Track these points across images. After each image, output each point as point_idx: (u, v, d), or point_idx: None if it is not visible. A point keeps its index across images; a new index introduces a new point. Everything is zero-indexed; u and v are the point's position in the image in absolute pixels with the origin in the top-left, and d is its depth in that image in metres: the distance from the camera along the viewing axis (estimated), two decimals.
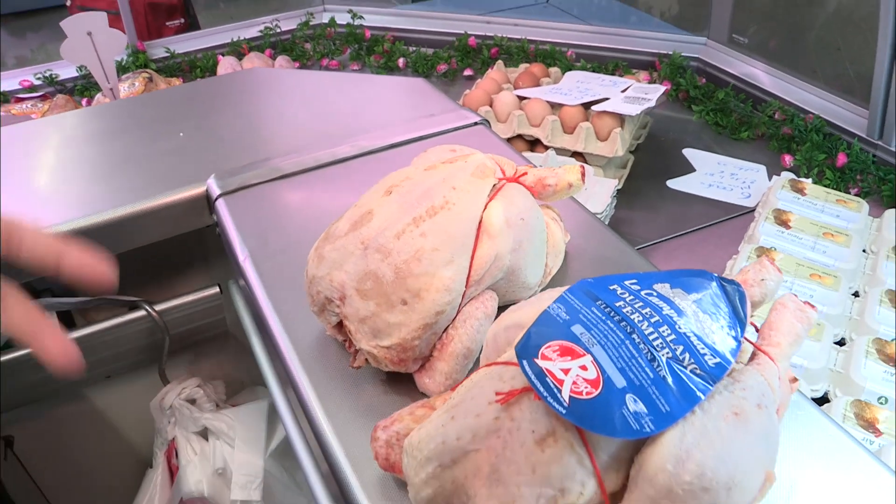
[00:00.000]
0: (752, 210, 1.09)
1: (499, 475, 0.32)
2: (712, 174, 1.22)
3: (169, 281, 0.83)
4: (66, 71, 1.58)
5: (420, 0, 2.33)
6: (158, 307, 0.79)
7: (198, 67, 1.62)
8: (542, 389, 0.32)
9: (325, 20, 1.74)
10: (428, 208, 0.47)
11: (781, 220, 0.98)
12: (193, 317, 0.81)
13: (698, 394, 0.32)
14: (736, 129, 1.33)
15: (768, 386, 0.36)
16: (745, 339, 0.39)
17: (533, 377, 0.32)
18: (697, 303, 0.36)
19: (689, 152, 1.28)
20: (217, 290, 0.81)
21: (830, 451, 0.43)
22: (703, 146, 1.30)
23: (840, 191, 1.06)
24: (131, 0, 1.65)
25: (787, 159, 1.22)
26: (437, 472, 0.34)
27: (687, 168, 1.24)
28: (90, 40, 1.14)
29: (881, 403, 0.74)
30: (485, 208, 0.48)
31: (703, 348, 0.34)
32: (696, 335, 0.34)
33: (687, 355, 0.33)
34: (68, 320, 0.81)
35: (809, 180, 1.06)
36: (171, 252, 0.79)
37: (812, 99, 1.31)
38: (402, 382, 0.48)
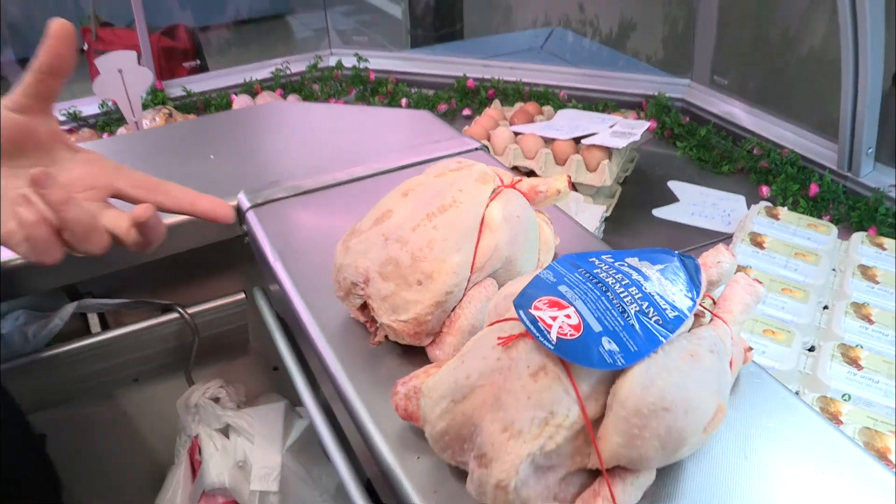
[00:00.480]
0: (732, 235, 1.18)
1: (500, 403, 0.40)
2: (695, 204, 1.31)
3: (197, 288, 0.91)
4: (88, 108, 1.67)
5: (420, 45, 2.46)
6: (189, 310, 0.86)
7: (212, 106, 1.71)
8: (535, 331, 0.39)
9: (332, 63, 1.85)
10: (439, 206, 0.56)
11: (756, 241, 1.06)
12: (220, 321, 0.88)
13: (660, 338, 0.40)
14: (717, 163, 1.42)
15: (721, 340, 0.44)
16: (703, 306, 0.47)
17: (528, 322, 0.40)
18: (661, 271, 0.44)
19: (673, 184, 1.38)
20: (243, 295, 0.89)
21: (786, 414, 0.51)
22: (687, 179, 1.39)
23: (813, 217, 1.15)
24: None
25: (765, 190, 1.31)
26: (450, 407, 0.42)
27: (672, 198, 1.33)
28: (120, 77, 1.24)
29: (844, 399, 0.81)
30: (486, 207, 0.57)
31: (664, 304, 0.42)
32: (659, 295, 0.43)
33: (651, 309, 0.41)
34: (101, 322, 0.88)
35: (785, 208, 1.15)
36: (201, 261, 0.87)
37: (787, 135, 1.41)
38: (415, 356, 0.56)
